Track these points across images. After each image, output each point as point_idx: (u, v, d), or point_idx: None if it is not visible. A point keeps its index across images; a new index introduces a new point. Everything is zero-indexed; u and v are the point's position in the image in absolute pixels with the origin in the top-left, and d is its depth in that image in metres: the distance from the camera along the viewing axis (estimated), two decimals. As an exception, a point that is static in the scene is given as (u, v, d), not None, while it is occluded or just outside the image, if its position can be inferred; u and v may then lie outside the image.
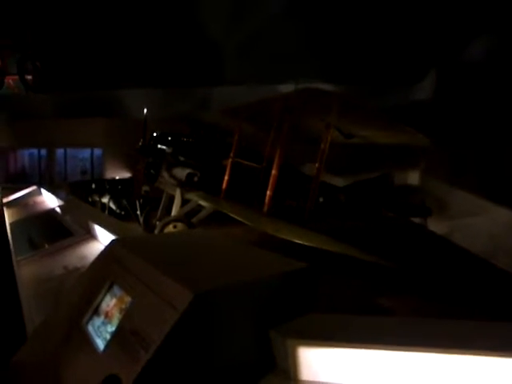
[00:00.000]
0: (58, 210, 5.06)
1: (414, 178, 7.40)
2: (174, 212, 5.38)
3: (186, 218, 5.23)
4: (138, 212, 6.22)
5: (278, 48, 9.15)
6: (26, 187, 6.78)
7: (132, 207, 6.43)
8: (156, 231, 5.15)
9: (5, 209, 5.80)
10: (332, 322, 1.38)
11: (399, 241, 5.48)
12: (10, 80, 12.26)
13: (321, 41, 8.72)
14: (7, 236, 4.37)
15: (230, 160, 5.30)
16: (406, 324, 1.37)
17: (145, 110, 5.69)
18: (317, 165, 4.49)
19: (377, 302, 3.45)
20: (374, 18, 8.19)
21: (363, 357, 1.15)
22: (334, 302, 1.82)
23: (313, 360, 1.21)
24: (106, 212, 6.70)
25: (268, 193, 4.62)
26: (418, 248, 5.34)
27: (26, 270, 3.02)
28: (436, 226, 6.56)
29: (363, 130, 4.82)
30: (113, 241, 1.74)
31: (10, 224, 4.85)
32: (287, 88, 6.69)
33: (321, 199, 5.70)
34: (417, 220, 6.86)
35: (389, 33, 7.97)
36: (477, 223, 5.71)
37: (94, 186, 7.23)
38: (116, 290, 1.42)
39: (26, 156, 12.77)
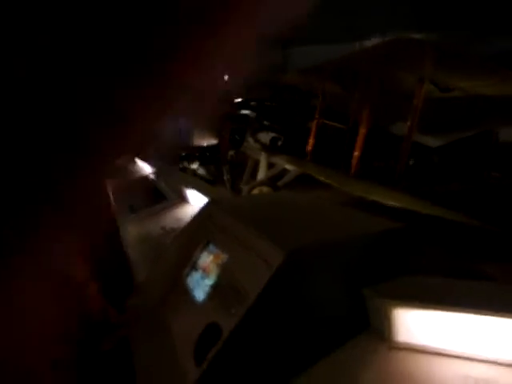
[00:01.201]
0: (152, 176, 5.44)
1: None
2: (259, 176, 5.48)
3: (271, 181, 5.30)
4: (226, 177, 6.44)
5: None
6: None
7: (220, 172, 6.68)
8: (243, 195, 5.32)
9: (106, 178, 6.37)
10: (428, 284, 1.32)
11: (505, 204, 4.97)
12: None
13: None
14: (110, 200, 4.83)
15: (314, 121, 5.18)
16: (508, 291, 1.26)
17: (226, 78, 5.75)
18: (409, 123, 4.20)
19: (477, 268, 3.20)
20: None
21: (459, 321, 1.10)
22: (428, 265, 1.72)
23: (408, 321, 1.18)
24: (196, 177, 7.05)
25: (355, 153, 4.46)
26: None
27: (129, 231, 3.33)
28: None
29: (463, 82, 4.34)
30: (207, 202, 1.82)
31: (112, 191, 5.34)
32: (374, 43, 6.24)
33: (412, 161, 5.36)
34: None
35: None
36: None
37: (183, 153, 7.62)
38: (212, 247, 1.49)
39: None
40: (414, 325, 1.17)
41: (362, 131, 4.41)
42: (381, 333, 1.22)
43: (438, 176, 5.58)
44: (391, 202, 3.57)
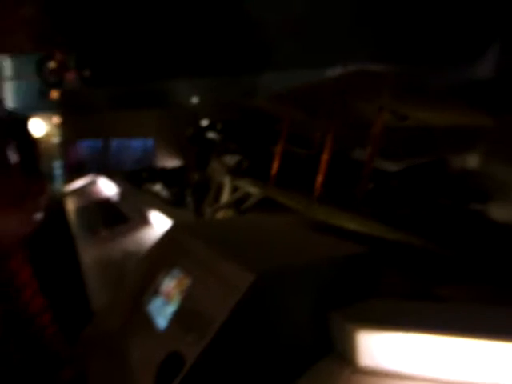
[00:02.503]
0: (114, 197, 5.31)
1: (473, 161, 6.97)
2: (223, 199, 5.46)
3: (235, 204, 5.29)
4: (189, 199, 6.37)
5: (325, 30, 8.89)
6: (86, 177, 7.17)
7: (183, 195, 6.60)
8: (206, 218, 5.26)
9: (67, 197, 6.17)
10: (391, 308, 1.35)
11: (456, 228, 5.21)
12: (69, 75, 12.95)
13: (371, 18, 8.35)
14: (69, 222, 4.65)
15: (279, 146, 5.27)
16: (468, 311, 1.31)
17: (194, 100, 5.79)
18: (368, 150, 4.35)
19: (433, 290, 3.31)
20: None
21: (422, 343, 1.12)
22: (390, 289, 1.76)
23: (371, 345, 1.19)
24: (159, 199, 6.93)
25: (319, 178, 4.55)
26: (475, 235, 5.05)
27: (88, 254, 3.20)
28: (497, 212, 6.16)
29: (419, 112, 4.58)
30: (172, 225, 1.78)
31: (72, 211, 5.16)
32: (335, 72, 6.51)
33: (371, 185, 5.53)
34: (476, 206, 6.48)
35: (445, 6, 7.48)
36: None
37: (146, 174, 7.49)
38: (175, 272, 1.46)
39: (84, 147, 13.51)
40: (377, 348, 1.17)
41: (325, 157, 4.51)
42: (344, 357, 1.22)
43: (397, 200, 5.79)
44: (352, 227, 3.64)
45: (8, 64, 12.77)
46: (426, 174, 5.88)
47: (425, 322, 1.16)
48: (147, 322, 1.40)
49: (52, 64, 12.39)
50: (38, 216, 1.47)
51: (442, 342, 1.08)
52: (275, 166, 5.22)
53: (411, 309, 1.34)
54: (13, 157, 1.35)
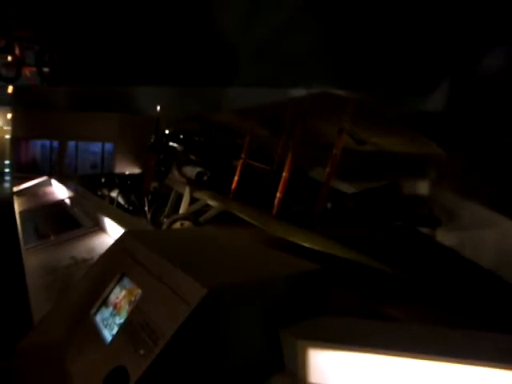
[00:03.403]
0: (67, 201, 5.09)
1: (422, 187, 7.35)
2: (181, 210, 5.39)
3: (193, 216, 5.24)
4: (146, 208, 6.23)
5: (292, 52, 9.15)
6: (37, 177, 6.84)
7: (140, 203, 6.45)
8: (163, 228, 5.16)
9: (15, 198, 5.85)
10: (341, 326, 1.38)
11: (406, 250, 5.44)
12: (27, 71, 12.42)
13: (334, 46, 8.70)
14: (16, 225, 4.41)
15: (240, 161, 5.29)
16: (415, 331, 1.36)
17: (158, 108, 5.72)
18: (327, 170, 4.47)
19: (382, 309, 3.42)
20: (387, 25, 8.17)
21: (371, 361, 1.15)
22: (340, 307, 1.80)
23: (321, 362, 1.20)
24: (115, 206, 6.74)
25: (278, 195, 4.61)
26: (424, 258, 5.30)
27: (34, 259, 3.04)
28: (444, 236, 6.51)
29: (375, 137, 4.79)
30: (124, 233, 1.74)
31: (20, 213, 4.89)
32: (299, 92, 6.68)
33: (329, 205, 5.68)
34: (425, 230, 6.81)
35: (403, 42, 7.93)
36: (485, 236, 5.65)
37: (103, 179, 7.26)
38: (126, 282, 1.42)
39: (38, 147, 12.91)
40: (327, 366, 1.19)
41: (285, 174, 4.59)
42: (295, 374, 1.23)
43: (352, 221, 5.96)
44: (308, 244, 3.71)
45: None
46: (379, 197, 6.13)
47: (374, 340, 1.19)
48: (93, 333, 1.35)
49: (8, 57, 11.85)
50: None
51: (389, 362, 1.11)
52: (235, 180, 5.25)
53: (361, 327, 1.37)
54: None
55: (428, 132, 4.60)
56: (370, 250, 3.91)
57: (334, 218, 5.78)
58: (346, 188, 6.72)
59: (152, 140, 5.52)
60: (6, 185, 10.76)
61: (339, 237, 4.15)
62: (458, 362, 1.05)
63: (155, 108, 5.75)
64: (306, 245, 3.73)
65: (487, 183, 5.79)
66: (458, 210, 6.32)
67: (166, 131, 5.66)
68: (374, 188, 6.28)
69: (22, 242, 3.54)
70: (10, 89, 12.29)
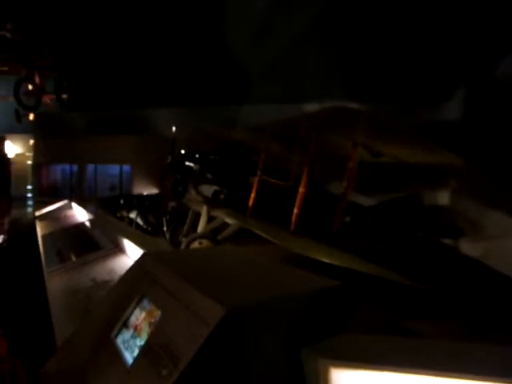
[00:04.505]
0: (87, 223, 5.18)
1: (444, 198, 7.20)
2: (199, 229, 5.40)
3: (211, 234, 5.24)
4: (165, 228, 6.28)
5: (303, 67, 9.24)
6: (58, 201, 7.00)
7: (159, 223, 6.50)
8: (182, 247, 5.18)
9: (37, 222, 5.98)
10: (365, 343, 1.34)
11: (428, 262, 5.30)
12: (47, 98, 12.86)
13: (347, 60, 8.75)
14: (39, 248, 4.50)
15: (256, 178, 5.30)
16: (441, 348, 1.31)
17: (173, 128, 5.81)
18: (344, 184, 4.44)
19: (407, 325, 3.32)
20: (401, 36, 8.18)
21: (398, 381, 1.11)
22: (363, 323, 1.76)
23: (344, 381, 1.17)
24: (134, 227, 6.81)
25: (295, 211, 4.58)
26: (448, 270, 5.15)
27: (56, 281, 3.08)
28: (469, 247, 6.33)
29: (392, 149, 4.74)
30: (144, 254, 1.75)
31: (42, 237, 4.99)
32: (312, 107, 6.70)
33: (347, 219, 5.60)
34: (448, 241, 6.64)
35: (416, 51, 7.92)
36: (510, 246, 5.48)
37: (122, 201, 7.38)
38: (146, 303, 1.42)
39: (58, 171, 13.25)
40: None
41: (302, 189, 4.57)
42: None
43: (372, 234, 5.87)
44: (328, 260, 3.66)
45: (-15, 85, 12.62)
46: (399, 209, 6.02)
47: (399, 358, 1.15)
48: (115, 356, 1.35)
49: (29, 86, 12.30)
50: None
51: (417, 381, 1.08)
52: (252, 197, 5.25)
53: (385, 344, 1.33)
54: None
55: (447, 141, 4.53)
56: (391, 262, 3.83)
57: (353, 231, 5.70)
58: (364, 201, 6.63)
59: (168, 160, 5.59)
60: (29, 209, 11.04)
61: (359, 250, 4.08)
62: (486, 380, 1.01)
63: (171, 129, 5.85)
64: (325, 260, 3.68)
65: (511, 191, 5.64)
66: (481, 219, 6.16)
67: (182, 151, 5.74)
68: (393, 200, 6.18)
69: (44, 266, 3.61)
70: (32, 116, 12.73)
